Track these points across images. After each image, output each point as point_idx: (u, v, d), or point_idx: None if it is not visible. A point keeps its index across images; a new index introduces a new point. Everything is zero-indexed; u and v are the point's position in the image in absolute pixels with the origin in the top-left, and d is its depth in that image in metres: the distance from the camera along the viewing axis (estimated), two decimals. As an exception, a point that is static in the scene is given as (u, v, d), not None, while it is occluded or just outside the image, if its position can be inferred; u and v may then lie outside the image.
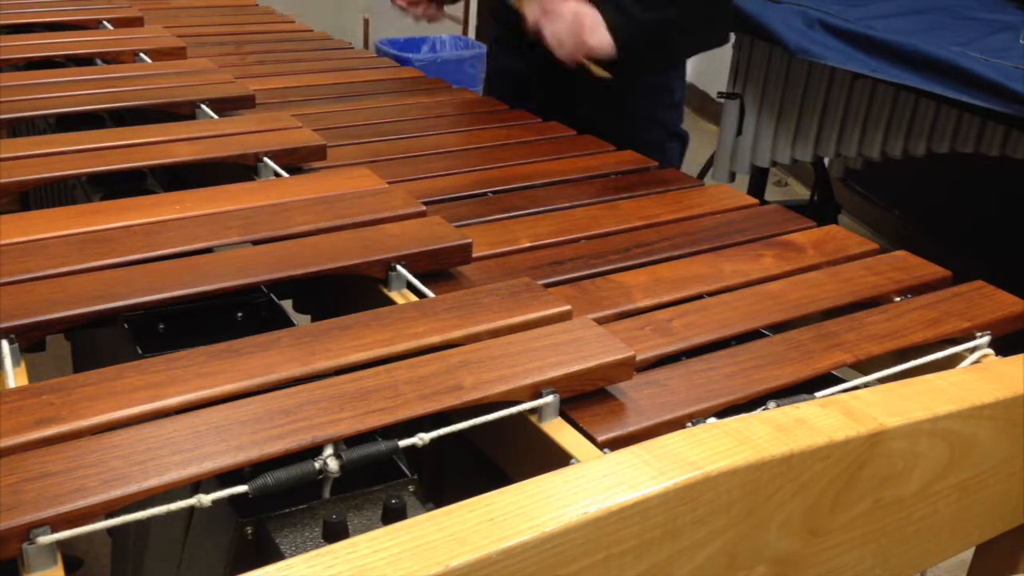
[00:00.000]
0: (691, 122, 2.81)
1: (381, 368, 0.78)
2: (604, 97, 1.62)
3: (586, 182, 1.36)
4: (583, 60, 1.45)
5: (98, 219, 1.02)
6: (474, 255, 1.04)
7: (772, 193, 3.64)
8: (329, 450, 0.70)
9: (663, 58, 1.63)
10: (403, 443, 0.72)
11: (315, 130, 1.32)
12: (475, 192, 1.29)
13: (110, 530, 0.66)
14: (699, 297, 1.02)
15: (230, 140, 1.27)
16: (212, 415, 0.71)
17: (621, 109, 1.62)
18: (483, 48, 3.98)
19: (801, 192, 3.69)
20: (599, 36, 1.43)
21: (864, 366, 0.93)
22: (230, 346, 0.79)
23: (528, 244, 1.13)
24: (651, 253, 1.13)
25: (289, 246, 0.98)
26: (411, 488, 0.75)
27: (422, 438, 0.72)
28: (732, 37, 2.58)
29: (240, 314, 0.96)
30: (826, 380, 0.89)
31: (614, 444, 0.78)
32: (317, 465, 0.69)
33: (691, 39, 1.63)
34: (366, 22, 4.04)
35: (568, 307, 0.90)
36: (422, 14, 1.69)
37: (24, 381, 0.77)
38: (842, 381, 0.89)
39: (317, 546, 0.66)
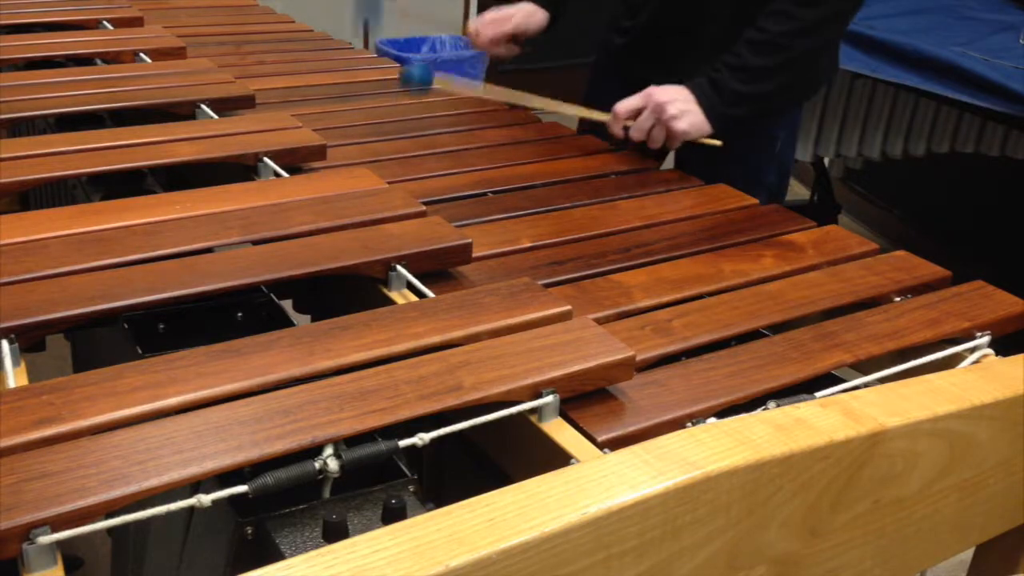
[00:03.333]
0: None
1: (381, 368, 0.78)
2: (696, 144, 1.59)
3: (586, 182, 1.36)
4: (677, 143, 1.43)
5: (98, 219, 1.02)
6: (474, 255, 1.04)
7: (772, 193, 3.63)
8: (329, 450, 0.70)
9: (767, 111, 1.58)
10: (403, 443, 0.72)
11: (315, 130, 1.32)
12: (475, 192, 1.29)
13: (110, 530, 0.66)
14: (699, 297, 1.02)
15: (230, 140, 1.27)
16: (212, 415, 0.71)
17: (712, 156, 1.58)
18: (482, 55, 3.98)
19: (801, 192, 3.69)
20: (688, 120, 1.39)
21: (864, 366, 0.93)
22: (230, 346, 0.79)
23: (528, 244, 1.13)
24: (651, 253, 1.13)
25: (289, 246, 0.98)
26: (411, 488, 0.75)
27: (422, 438, 0.72)
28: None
29: (240, 314, 0.96)
30: (826, 380, 0.89)
31: (614, 444, 0.78)
32: (317, 465, 0.69)
33: (794, 92, 1.60)
34: (366, 22, 4.04)
35: (568, 307, 0.90)
36: (503, 54, 1.68)
37: (24, 381, 0.77)
38: (842, 381, 0.89)
39: (317, 546, 0.66)
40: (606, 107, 1.48)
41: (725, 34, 1.46)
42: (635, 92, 1.45)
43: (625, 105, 1.42)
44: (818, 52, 1.52)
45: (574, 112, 1.52)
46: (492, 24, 1.65)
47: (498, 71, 3.03)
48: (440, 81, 1.66)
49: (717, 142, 1.43)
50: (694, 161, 1.52)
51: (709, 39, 1.51)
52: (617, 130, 1.44)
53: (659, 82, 1.44)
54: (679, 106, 1.39)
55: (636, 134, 1.42)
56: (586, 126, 1.57)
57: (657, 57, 1.61)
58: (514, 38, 1.66)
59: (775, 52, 1.40)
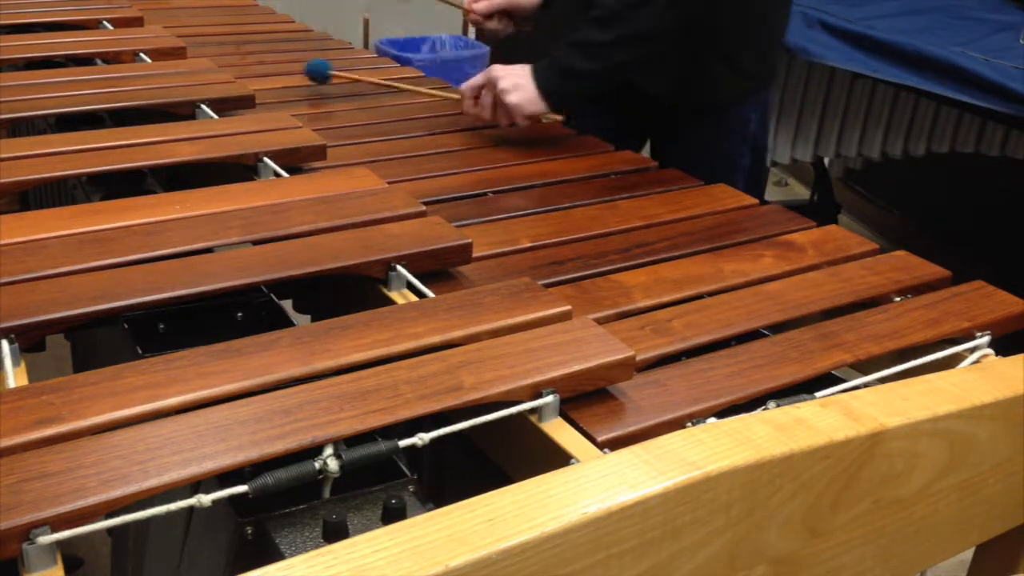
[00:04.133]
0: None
1: (381, 368, 0.78)
2: (670, 130, 1.62)
3: (586, 182, 1.36)
4: (519, 119, 1.45)
5: (98, 219, 1.02)
6: (474, 255, 1.04)
7: (772, 193, 3.64)
8: (329, 450, 0.70)
9: (700, 98, 1.60)
10: (403, 443, 0.72)
11: (315, 130, 1.32)
12: (475, 192, 1.29)
13: (110, 530, 0.66)
14: (699, 297, 1.02)
15: (230, 140, 1.27)
16: (212, 415, 0.71)
17: (687, 142, 1.61)
18: (483, 48, 3.98)
19: (801, 192, 3.69)
20: (519, 94, 1.42)
21: (864, 366, 0.93)
22: (230, 346, 0.79)
23: (528, 244, 1.13)
24: (651, 253, 1.13)
25: (289, 246, 0.98)
26: (411, 488, 0.75)
27: (422, 438, 0.72)
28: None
29: (240, 314, 0.96)
30: (826, 380, 0.89)
31: (614, 444, 0.78)
32: (317, 465, 0.69)
33: (730, 83, 1.60)
34: (366, 22, 4.03)
35: (568, 307, 0.90)
36: (495, 27, 1.68)
37: (24, 381, 0.77)
38: (842, 381, 0.89)
39: (317, 546, 0.66)
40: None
41: None
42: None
43: (469, 83, 1.48)
44: (744, 44, 1.55)
45: (429, 93, 1.60)
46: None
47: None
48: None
49: (558, 116, 1.48)
50: (668, 149, 1.57)
51: None
52: (468, 108, 1.49)
53: None
54: (511, 80, 1.42)
55: (480, 111, 1.47)
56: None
57: None
58: (509, 13, 1.66)
59: (612, 25, 1.40)
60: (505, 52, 1.77)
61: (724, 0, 1.49)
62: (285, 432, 0.69)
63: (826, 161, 3.13)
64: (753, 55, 1.60)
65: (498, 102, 1.43)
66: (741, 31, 1.56)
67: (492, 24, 1.67)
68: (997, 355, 0.97)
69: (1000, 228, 2.93)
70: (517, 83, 1.42)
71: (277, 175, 1.22)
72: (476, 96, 1.47)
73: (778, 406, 0.81)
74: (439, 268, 1.02)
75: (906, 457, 0.74)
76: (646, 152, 1.66)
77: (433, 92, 1.61)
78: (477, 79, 1.47)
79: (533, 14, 1.67)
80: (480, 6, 1.64)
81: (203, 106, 1.41)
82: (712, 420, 0.82)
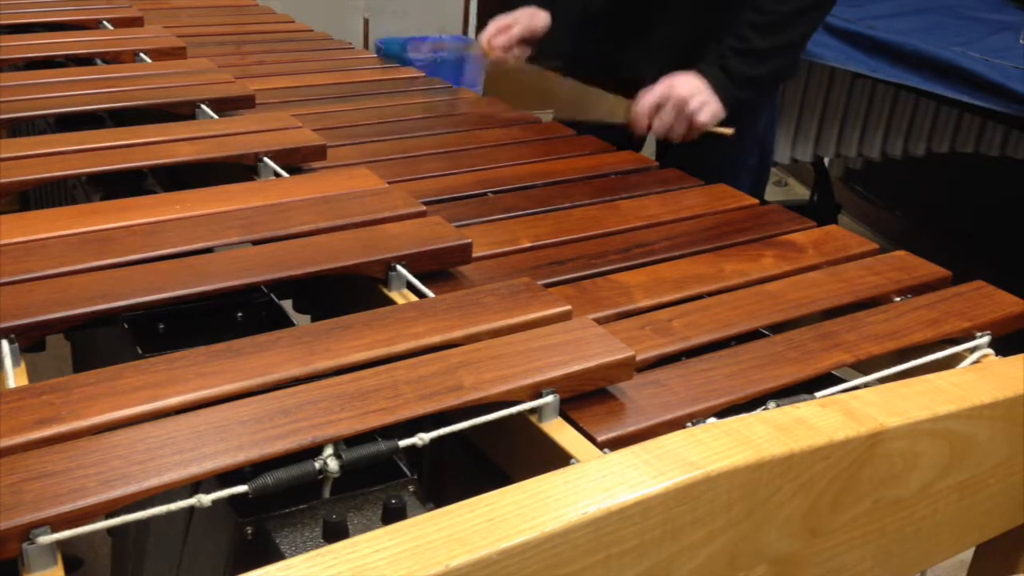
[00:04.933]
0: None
1: (381, 368, 0.78)
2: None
3: (586, 182, 1.36)
4: (698, 132, 1.46)
5: (98, 219, 1.02)
6: (474, 255, 1.04)
7: (772, 193, 3.64)
8: (329, 450, 0.70)
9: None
10: (403, 443, 0.72)
11: (315, 130, 1.32)
12: (475, 192, 1.29)
13: (110, 530, 0.66)
14: (699, 297, 1.02)
15: (230, 140, 1.27)
16: (212, 415, 0.71)
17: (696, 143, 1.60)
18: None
19: (801, 192, 3.69)
20: (708, 111, 1.42)
21: (864, 366, 0.93)
22: (230, 346, 0.79)
23: (528, 244, 1.13)
24: (651, 253, 1.13)
25: (289, 246, 0.98)
26: (411, 488, 0.75)
27: (422, 438, 0.72)
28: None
29: (240, 314, 0.96)
30: (826, 380, 0.89)
31: (614, 444, 0.78)
32: (317, 465, 0.69)
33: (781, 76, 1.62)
34: (366, 22, 4.04)
35: (568, 307, 0.90)
36: (516, 56, 1.68)
37: (24, 381, 0.77)
38: (842, 381, 0.89)
39: (317, 546, 0.66)
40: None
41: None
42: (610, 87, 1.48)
43: (647, 102, 1.44)
44: (811, 32, 1.55)
45: (591, 121, 1.52)
46: (499, 34, 1.65)
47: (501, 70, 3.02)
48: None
49: (728, 130, 1.46)
50: (676, 148, 1.55)
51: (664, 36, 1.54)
52: (641, 128, 1.46)
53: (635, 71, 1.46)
54: (700, 99, 1.41)
55: (660, 130, 1.44)
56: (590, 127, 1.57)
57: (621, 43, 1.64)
58: (523, 41, 1.66)
59: (779, 32, 1.42)
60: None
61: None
62: (285, 432, 0.69)
63: (826, 161, 3.13)
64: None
65: (685, 119, 1.42)
66: (823, 14, 1.56)
67: (511, 56, 1.67)
68: (997, 355, 0.97)
69: (1000, 228, 2.93)
70: (705, 100, 1.42)
71: (277, 175, 1.22)
72: (654, 111, 1.44)
73: (778, 406, 0.81)
74: (439, 268, 1.02)
75: (906, 457, 0.74)
76: (650, 149, 1.65)
77: (598, 120, 1.53)
78: (655, 96, 1.44)
79: (545, 38, 1.67)
80: (499, 42, 1.65)
81: (203, 106, 1.41)
82: (712, 420, 0.82)
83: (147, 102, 1.39)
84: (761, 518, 0.67)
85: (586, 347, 0.82)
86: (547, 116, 1.64)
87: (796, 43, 1.48)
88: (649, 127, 1.45)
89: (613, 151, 1.48)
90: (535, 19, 1.66)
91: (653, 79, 1.48)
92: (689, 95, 1.41)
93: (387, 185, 1.17)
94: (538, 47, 1.67)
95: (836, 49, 2.39)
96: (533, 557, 0.57)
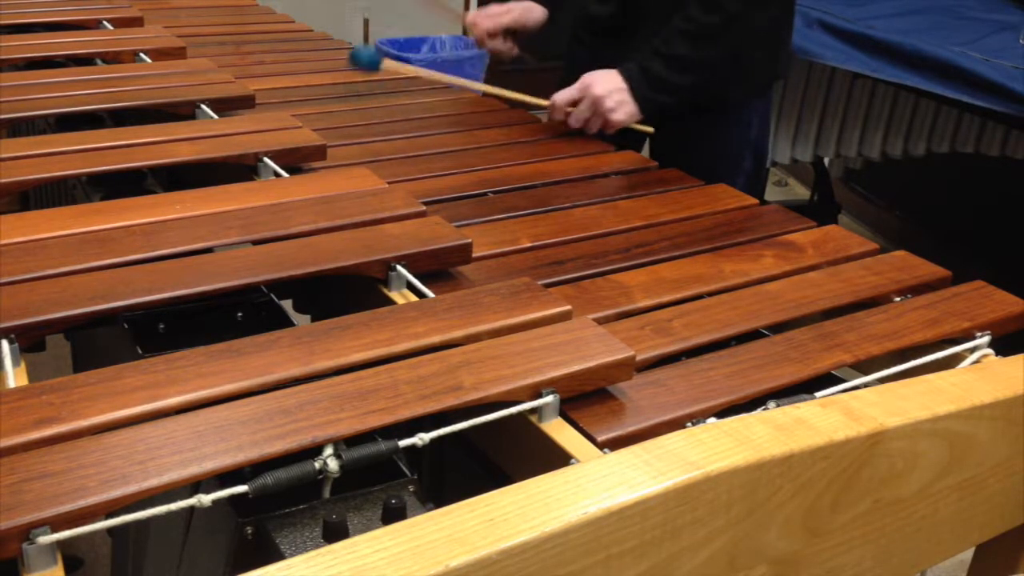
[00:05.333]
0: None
1: (381, 368, 0.78)
2: (670, 130, 1.61)
3: (586, 182, 1.36)
4: (613, 129, 1.48)
5: (98, 219, 1.02)
6: (474, 255, 1.04)
7: (772, 193, 3.64)
8: (329, 450, 0.70)
9: (711, 99, 1.60)
10: (403, 443, 0.72)
11: (315, 130, 1.32)
12: (475, 192, 1.29)
13: (110, 530, 0.66)
14: (699, 297, 1.02)
15: (230, 140, 1.27)
16: (212, 415, 0.71)
17: (687, 142, 1.61)
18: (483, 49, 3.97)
19: (801, 192, 3.69)
20: (623, 111, 1.45)
21: (864, 366, 0.93)
22: (230, 346, 0.79)
23: (528, 244, 1.13)
24: (651, 253, 1.13)
25: (289, 246, 0.98)
26: (411, 488, 0.75)
27: (422, 438, 0.72)
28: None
29: (240, 314, 0.96)
30: (826, 380, 0.89)
31: (614, 444, 0.78)
32: (317, 465, 0.69)
33: (740, 84, 1.61)
34: (366, 22, 4.04)
35: (568, 307, 0.90)
36: (500, 48, 1.68)
37: (24, 381, 0.77)
38: (842, 381, 0.89)
39: (317, 546, 0.66)
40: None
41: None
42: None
43: (563, 96, 1.48)
44: (756, 45, 1.55)
45: (514, 97, 1.57)
46: (489, 17, 1.65)
47: (499, 71, 3.03)
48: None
49: (649, 128, 1.49)
50: (670, 150, 1.56)
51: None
52: (558, 118, 1.50)
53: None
54: (616, 98, 1.44)
55: (575, 123, 1.49)
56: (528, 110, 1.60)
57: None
58: (512, 34, 1.66)
59: (704, 43, 1.43)
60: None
61: None
62: (285, 432, 0.69)
63: (826, 161, 3.13)
64: (764, 56, 1.60)
65: (600, 117, 1.45)
66: (756, 34, 1.55)
67: (497, 44, 1.67)
68: (997, 355, 0.97)
69: (1000, 228, 2.93)
70: (621, 100, 1.44)
71: (277, 175, 1.22)
72: (570, 106, 1.47)
73: (778, 406, 0.81)
74: (439, 268, 1.02)
75: (906, 457, 0.74)
76: (645, 150, 1.66)
77: (521, 97, 1.57)
78: (572, 92, 1.47)
79: (537, 35, 1.67)
80: (485, 24, 1.64)
81: (203, 106, 1.41)
82: (712, 420, 0.82)
83: (147, 102, 1.39)
84: (761, 518, 0.67)
85: (586, 347, 0.82)
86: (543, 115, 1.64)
87: (719, 60, 1.46)
88: (566, 119, 1.49)
89: (613, 151, 1.48)
90: (530, 13, 1.66)
91: None
92: (605, 94, 1.44)
93: (387, 185, 1.17)
94: (529, 42, 1.68)
95: (836, 49, 2.39)
96: (533, 557, 0.57)
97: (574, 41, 1.78)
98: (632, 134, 1.52)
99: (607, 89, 1.44)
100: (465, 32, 4.17)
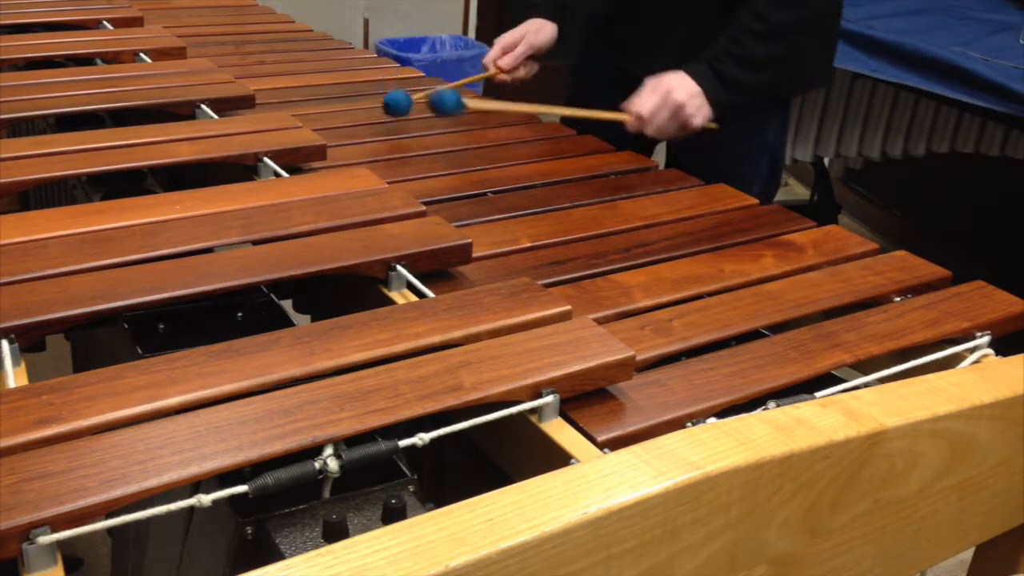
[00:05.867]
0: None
1: (381, 368, 0.78)
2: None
3: (586, 182, 1.36)
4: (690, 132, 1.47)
5: (98, 219, 1.02)
6: (474, 255, 1.04)
7: (772, 193, 3.63)
8: (329, 450, 0.70)
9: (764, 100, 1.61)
10: (403, 443, 0.72)
11: (315, 130, 1.32)
12: (475, 192, 1.29)
13: (110, 530, 0.66)
14: (699, 297, 1.02)
15: (230, 140, 1.27)
16: (212, 415, 0.71)
17: (704, 144, 1.58)
18: (483, 48, 3.97)
19: (801, 192, 3.69)
20: (702, 116, 1.44)
21: (864, 366, 0.93)
22: (230, 346, 0.79)
23: (528, 244, 1.13)
24: (651, 253, 1.13)
25: (289, 246, 0.98)
26: (411, 488, 0.75)
27: (422, 438, 0.72)
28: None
29: (240, 314, 0.96)
30: (826, 380, 0.89)
31: (614, 444, 0.78)
32: (317, 465, 0.69)
33: (789, 83, 1.62)
34: (366, 22, 4.04)
35: (568, 307, 0.90)
36: (523, 75, 1.67)
37: (24, 381, 0.77)
38: (842, 381, 0.89)
39: (317, 546, 0.66)
40: (593, 95, 1.51)
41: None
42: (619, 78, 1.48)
43: (647, 105, 1.43)
44: (815, 45, 1.55)
45: (595, 116, 1.51)
46: (504, 54, 1.64)
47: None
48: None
49: (715, 125, 1.47)
50: (687, 154, 1.55)
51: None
52: (637, 128, 1.46)
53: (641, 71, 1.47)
54: (695, 103, 1.42)
55: (654, 132, 1.45)
56: (584, 126, 1.57)
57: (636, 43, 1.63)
58: (530, 58, 1.65)
59: (777, 41, 1.43)
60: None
61: None
62: (285, 432, 0.69)
63: (826, 161, 3.13)
64: (819, 49, 1.60)
65: (678, 121, 1.43)
66: (819, 31, 1.56)
67: (520, 73, 1.66)
68: (997, 355, 0.97)
69: (1000, 228, 2.93)
70: (700, 104, 1.43)
71: (277, 175, 1.22)
72: (652, 115, 1.44)
73: (778, 406, 0.81)
74: (439, 268, 1.02)
75: (906, 457, 0.74)
76: (661, 154, 1.65)
77: (600, 115, 1.51)
78: (654, 100, 1.43)
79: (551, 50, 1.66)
80: (505, 62, 1.63)
81: (203, 106, 1.41)
82: (712, 420, 0.82)
83: (147, 102, 1.39)
84: (761, 518, 0.67)
85: (586, 347, 0.82)
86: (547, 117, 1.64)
87: (792, 55, 1.47)
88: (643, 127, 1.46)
89: (613, 151, 1.48)
90: (541, 34, 1.64)
91: None
92: (686, 100, 1.42)
93: (387, 185, 1.17)
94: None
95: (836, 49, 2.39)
96: (533, 557, 0.57)
97: (585, 41, 1.78)
98: (644, 138, 1.50)
99: (688, 95, 1.42)
100: (465, 32, 4.17)
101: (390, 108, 1.51)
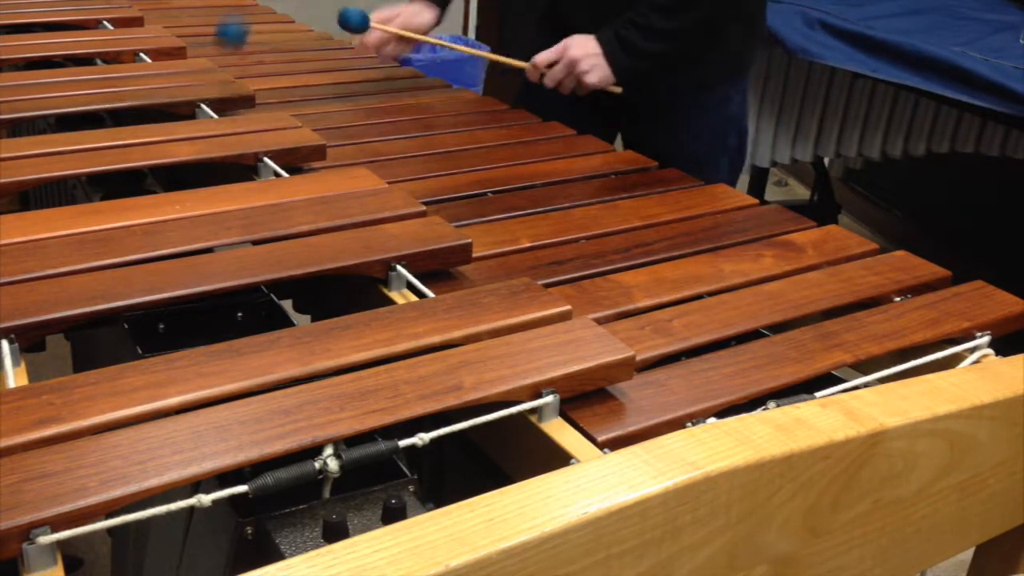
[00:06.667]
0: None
1: (381, 368, 0.78)
2: (650, 110, 1.66)
3: (586, 182, 1.36)
4: (587, 91, 1.54)
5: (98, 219, 1.02)
6: (474, 255, 1.04)
7: (772, 193, 3.64)
8: (329, 450, 0.70)
9: (690, 71, 1.65)
10: (403, 443, 0.72)
11: (315, 130, 1.32)
12: (475, 192, 1.29)
13: (110, 530, 0.66)
14: (699, 297, 1.02)
15: (230, 140, 1.27)
16: (212, 415, 0.71)
17: (669, 122, 1.66)
18: (483, 48, 3.98)
19: (801, 192, 3.69)
20: (598, 74, 1.52)
21: (864, 366, 0.93)
22: (230, 346, 0.79)
23: (528, 244, 1.13)
24: (651, 253, 1.13)
25: (289, 246, 0.98)
26: (411, 488, 0.75)
27: (422, 438, 0.72)
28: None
29: (240, 314, 0.96)
30: (826, 380, 0.89)
31: (614, 444, 0.78)
32: (317, 465, 0.69)
33: (719, 59, 1.65)
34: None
35: (568, 307, 0.90)
36: (393, 52, 1.70)
37: (24, 381, 0.77)
38: (842, 381, 0.89)
39: (317, 546, 0.66)
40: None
41: None
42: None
43: (543, 58, 1.53)
44: (731, 18, 1.61)
45: (493, 58, 1.64)
46: (377, 27, 1.66)
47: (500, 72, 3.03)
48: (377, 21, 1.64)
49: (618, 89, 1.55)
50: (655, 129, 1.64)
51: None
52: (535, 78, 1.56)
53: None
54: (590, 61, 1.51)
55: (549, 82, 1.54)
56: (504, 72, 1.65)
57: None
58: (402, 39, 1.67)
59: (677, 14, 1.50)
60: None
61: None
62: (285, 432, 0.69)
63: (826, 161, 3.13)
64: (740, 31, 1.64)
65: (575, 78, 1.52)
66: (730, 8, 1.61)
67: (390, 50, 1.68)
68: (997, 355, 0.97)
69: (1000, 228, 2.93)
70: (595, 63, 1.51)
71: (277, 175, 1.22)
72: (547, 67, 1.53)
73: (778, 406, 0.81)
74: (439, 268, 1.02)
75: (906, 457, 0.74)
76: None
77: (501, 59, 1.62)
78: (551, 54, 1.53)
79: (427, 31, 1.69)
80: (372, 40, 1.65)
81: (203, 106, 1.41)
82: (712, 420, 0.82)
83: (147, 102, 1.39)
84: (761, 518, 0.67)
85: (586, 347, 0.82)
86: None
87: (693, 30, 1.54)
88: (541, 79, 1.54)
89: (613, 151, 1.48)
90: (418, 17, 1.67)
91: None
92: (581, 56, 1.50)
93: (387, 185, 1.17)
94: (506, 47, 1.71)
95: (836, 49, 2.39)
96: (533, 557, 0.57)
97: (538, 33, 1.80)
98: (607, 100, 1.57)
99: (584, 52, 1.51)
100: (465, 32, 4.17)
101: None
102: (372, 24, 1.64)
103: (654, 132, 1.65)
